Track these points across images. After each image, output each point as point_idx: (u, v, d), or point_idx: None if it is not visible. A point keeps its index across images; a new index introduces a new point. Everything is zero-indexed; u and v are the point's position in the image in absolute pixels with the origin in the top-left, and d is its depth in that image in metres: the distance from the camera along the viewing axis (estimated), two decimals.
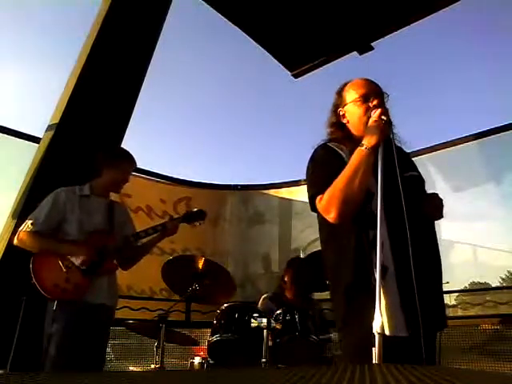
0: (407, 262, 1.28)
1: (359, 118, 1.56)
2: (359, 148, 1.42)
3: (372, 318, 1.14)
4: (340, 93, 1.65)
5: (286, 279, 3.07)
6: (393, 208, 1.35)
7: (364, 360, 1.17)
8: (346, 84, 1.66)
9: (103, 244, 2.20)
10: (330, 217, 1.41)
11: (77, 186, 2.33)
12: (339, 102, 1.64)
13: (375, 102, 1.53)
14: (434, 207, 1.52)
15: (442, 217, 1.54)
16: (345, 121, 1.62)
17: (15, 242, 2.18)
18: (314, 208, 1.49)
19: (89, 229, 2.22)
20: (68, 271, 2.10)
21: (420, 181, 1.62)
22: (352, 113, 1.59)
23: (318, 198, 1.45)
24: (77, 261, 2.12)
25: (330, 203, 1.40)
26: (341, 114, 1.63)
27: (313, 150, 1.62)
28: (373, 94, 1.56)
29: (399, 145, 1.59)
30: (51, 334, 2.01)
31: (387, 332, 1.27)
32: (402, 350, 1.20)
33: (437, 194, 1.55)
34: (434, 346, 1.44)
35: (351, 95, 1.60)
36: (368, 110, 1.53)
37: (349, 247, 1.43)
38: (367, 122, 1.49)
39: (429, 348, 1.33)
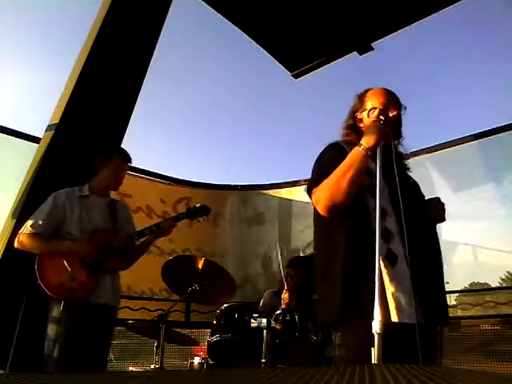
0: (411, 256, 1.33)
1: None
2: (356, 147, 1.43)
3: (371, 314, 1.14)
4: (361, 98, 1.67)
5: (287, 279, 3.06)
6: (395, 205, 1.39)
7: (364, 359, 1.17)
8: (367, 90, 1.68)
9: (105, 242, 2.19)
10: (319, 209, 1.49)
11: (76, 187, 2.32)
12: (358, 107, 1.66)
13: (395, 113, 1.56)
14: (437, 210, 1.57)
15: (445, 219, 1.59)
16: (361, 125, 1.63)
17: (16, 245, 2.18)
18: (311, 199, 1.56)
19: (89, 228, 2.21)
20: (73, 270, 2.09)
21: (415, 184, 1.66)
22: (369, 119, 1.60)
23: (314, 190, 1.51)
24: (79, 257, 2.11)
25: (319, 197, 1.48)
26: (358, 117, 1.65)
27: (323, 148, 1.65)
28: (392, 104, 1.58)
29: (398, 147, 1.61)
30: (56, 335, 1.99)
31: (394, 319, 1.31)
32: (401, 337, 1.22)
33: (439, 198, 1.60)
34: (433, 339, 1.45)
35: (372, 102, 1.62)
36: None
37: (342, 239, 1.44)
38: None
39: (429, 339, 1.35)
